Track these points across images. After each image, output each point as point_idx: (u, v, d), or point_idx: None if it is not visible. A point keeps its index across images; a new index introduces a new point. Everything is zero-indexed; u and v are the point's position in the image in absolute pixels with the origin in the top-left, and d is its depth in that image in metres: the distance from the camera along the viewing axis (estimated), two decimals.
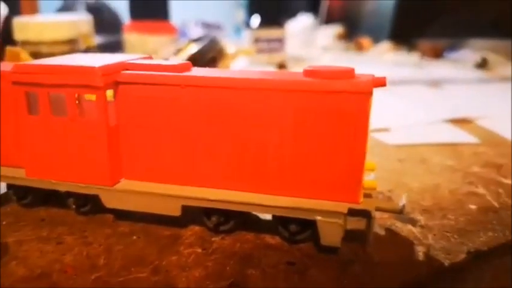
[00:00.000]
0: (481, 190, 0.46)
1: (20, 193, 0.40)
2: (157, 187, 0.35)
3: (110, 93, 0.34)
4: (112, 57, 0.38)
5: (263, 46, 1.18)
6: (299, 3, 1.80)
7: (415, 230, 0.37)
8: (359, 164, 0.32)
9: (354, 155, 0.32)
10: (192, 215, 0.37)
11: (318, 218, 0.32)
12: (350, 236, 0.34)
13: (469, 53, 1.23)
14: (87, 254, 0.33)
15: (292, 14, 1.54)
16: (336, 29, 1.62)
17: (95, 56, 0.39)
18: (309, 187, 0.33)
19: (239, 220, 0.36)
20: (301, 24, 1.52)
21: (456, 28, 1.31)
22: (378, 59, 1.27)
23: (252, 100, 0.32)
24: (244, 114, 0.33)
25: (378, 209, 0.33)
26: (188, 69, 0.35)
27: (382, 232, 0.37)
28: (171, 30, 1.09)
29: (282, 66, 1.17)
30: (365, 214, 0.33)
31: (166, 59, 0.90)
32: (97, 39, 1.08)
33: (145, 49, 0.99)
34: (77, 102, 0.34)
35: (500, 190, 0.45)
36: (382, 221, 0.38)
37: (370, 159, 0.35)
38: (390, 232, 0.37)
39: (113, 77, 0.34)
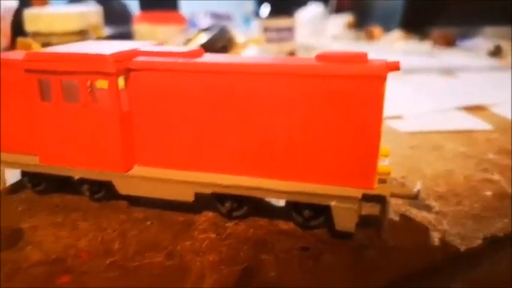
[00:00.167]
0: (496, 177, 0.45)
1: (34, 180, 0.40)
2: (170, 173, 0.35)
3: (120, 81, 0.34)
4: (123, 44, 0.38)
5: (273, 35, 1.17)
6: None
7: (430, 216, 0.37)
8: (374, 149, 0.31)
9: (368, 140, 0.31)
10: (205, 201, 0.37)
11: (333, 203, 0.32)
12: (364, 221, 0.34)
13: (482, 41, 1.21)
14: (102, 239, 0.34)
15: (301, 3, 1.53)
16: (346, 18, 1.60)
17: (107, 43, 0.39)
18: (323, 172, 0.33)
19: (252, 206, 0.36)
20: (311, 13, 1.51)
21: (468, 16, 1.29)
22: (389, 48, 1.25)
23: (265, 85, 0.32)
24: (257, 99, 0.33)
25: (393, 195, 0.33)
26: (200, 56, 0.35)
27: (396, 218, 0.37)
28: (180, 20, 1.09)
29: (291, 55, 1.17)
30: (379, 199, 0.32)
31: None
32: (107, 30, 1.08)
33: (155, 39, 0.99)
34: (89, 89, 0.34)
35: None
36: (396, 207, 0.38)
37: (383, 145, 0.35)
38: (404, 218, 0.37)
39: (124, 64, 0.34)
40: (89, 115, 0.35)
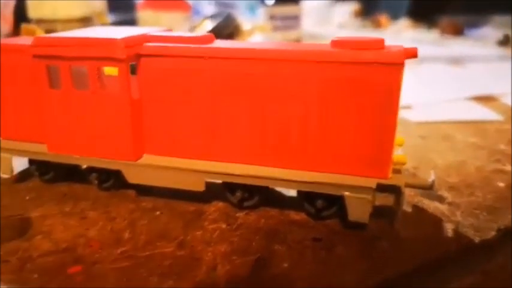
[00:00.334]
0: (508, 167, 0.44)
1: (42, 169, 0.40)
2: (181, 162, 0.35)
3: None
4: (133, 29, 0.37)
5: (278, 23, 1.16)
6: None
7: (443, 207, 0.37)
8: (389, 138, 0.31)
9: (384, 129, 0.31)
10: (215, 190, 0.36)
11: (346, 193, 0.31)
12: (376, 212, 0.33)
13: (491, 30, 1.20)
14: (112, 228, 0.33)
15: None
16: (352, 6, 1.58)
17: (116, 28, 0.38)
18: (337, 162, 0.32)
19: (263, 196, 0.35)
20: (317, 1, 1.49)
21: (476, 4, 1.27)
22: (397, 37, 1.24)
23: (279, 72, 0.31)
24: (269, 87, 0.32)
25: (407, 185, 0.32)
26: (211, 41, 0.34)
27: (409, 209, 0.36)
28: (185, 7, 1.07)
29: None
30: (393, 190, 0.32)
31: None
32: (110, 18, 1.07)
33: (159, 26, 0.98)
34: (99, 75, 0.34)
35: None
36: (409, 198, 0.37)
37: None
38: (417, 209, 0.36)
39: (135, 50, 0.33)
40: (98, 102, 0.34)
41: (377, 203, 0.32)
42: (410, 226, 0.34)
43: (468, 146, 0.50)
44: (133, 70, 0.34)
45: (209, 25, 0.87)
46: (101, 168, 0.37)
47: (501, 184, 0.41)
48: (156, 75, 0.34)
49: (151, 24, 1.00)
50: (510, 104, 0.67)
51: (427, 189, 0.33)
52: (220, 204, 0.37)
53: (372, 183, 0.31)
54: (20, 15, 0.93)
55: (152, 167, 0.35)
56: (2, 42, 0.37)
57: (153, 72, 0.34)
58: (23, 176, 0.41)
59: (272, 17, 1.16)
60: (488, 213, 0.36)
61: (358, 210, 0.32)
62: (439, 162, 0.45)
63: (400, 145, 0.35)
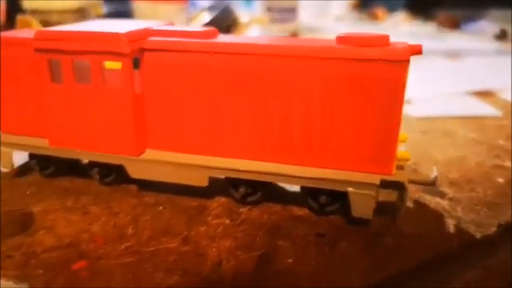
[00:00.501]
0: (507, 163, 0.45)
1: (42, 163, 0.39)
2: (184, 157, 0.34)
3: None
4: (135, 23, 0.36)
5: (276, 16, 1.16)
6: None
7: (444, 203, 0.37)
8: (393, 135, 0.31)
9: (388, 125, 0.31)
10: (218, 185, 0.36)
11: (350, 189, 0.31)
12: (378, 207, 0.33)
13: (488, 24, 1.20)
14: (115, 223, 0.33)
15: None
16: None
17: (117, 22, 0.38)
18: (341, 158, 0.32)
19: (266, 191, 0.35)
20: None
21: None
22: (394, 30, 1.24)
23: (284, 67, 0.31)
24: (273, 82, 0.32)
25: (410, 181, 0.32)
26: (215, 36, 0.34)
27: (410, 205, 0.36)
28: None
29: (294, 36, 1.15)
30: (396, 186, 0.32)
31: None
32: (105, 8, 1.06)
33: (155, 18, 0.97)
34: (101, 69, 0.33)
35: None
36: (410, 194, 0.37)
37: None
38: (419, 205, 0.36)
39: (138, 44, 0.33)
40: (101, 97, 0.34)
41: (380, 198, 0.33)
42: (413, 222, 0.34)
43: (468, 142, 0.50)
44: (136, 64, 0.34)
45: (206, 17, 0.86)
46: (102, 163, 0.37)
47: (501, 180, 0.41)
48: (159, 69, 0.34)
49: (147, 16, 0.99)
50: (508, 99, 0.67)
51: (430, 185, 0.34)
52: (223, 199, 0.37)
53: (376, 179, 0.31)
54: (14, 6, 0.92)
55: (155, 162, 0.35)
56: (2, 35, 0.36)
57: (156, 66, 0.34)
58: (23, 170, 0.41)
59: (269, 9, 1.15)
60: (489, 209, 0.36)
61: (361, 206, 0.32)
62: (439, 157, 0.46)
63: (404, 141, 0.35)
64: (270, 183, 0.34)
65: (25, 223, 0.33)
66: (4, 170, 0.40)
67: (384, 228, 0.33)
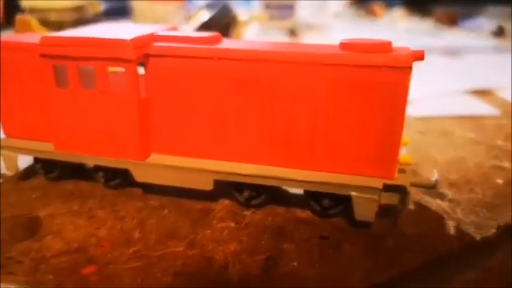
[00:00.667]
0: (506, 164, 0.45)
1: (47, 167, 0.40)
2: (189, 161, 0.35)
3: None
4: (139, 28, 0.37)
5: (274, 13, 1.16)
6: None
7: (444, 204, 0.37)
8: (396, 140, 0.31)
9: (391, 131, 0.31)
10: (221, 188, 0.36)
11: (353, 193, 0.32)
12: (379, 210, 0.34)
13: (485, 21, 1.20)
14: (121, 227, 0.34)
15: None
16: None
17: (121, 26, 0.38)
18: (344, 162, 0.33)
19: (270, 194, 0.36)
20: None
21: None
22: (392, 26, 1.24)
23: (287, 73, 0.32)
24: (278, 88, 0.32)
25: (412, 184, 0.33)
26: (219, 41, 0.34)
27: (411, 206, 0.37)
28: None
29: (293, 32, 1.15)
30: (398, 189, 0.33)
31: (177, 27, 0.88)
32: (103, 6, 1.05)
33: (154, 16, 0.97)
34: (107, 75, 0.34)
35: None
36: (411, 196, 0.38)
37: None
38: (419, 206, 0.37)
39: (143, 50, 0.33)
40: (106, 102, 0.34)
41: (382, 202, 0.33)
42: (414, 224, 0.35)
43: (466, 142, 0.51)
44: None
45: (205, 15, 0.86)
46: (107, 166, 0.37)
47: (500, 181, 0.42)
48: (164, 75, 0.34)
49: (145, 14, 0.99)
50: (506, 98, 0.68)
51: (431, 188, 0.34)
52: (227, 202, 0.37)
53: (379, 183, 0.32)
54: (12, 5, 0.91)
55: (160, 166, 0.35)
56: (7, 39, 0.36)
57: (161, 72, 0.34)
58: (27, 173, 0.41)
59: (268, 6, 1.15)
60: (488, 210, 0.37)
61: (364, 210, 0.32)
62: (439, 158, 0.46)
63: (405, 145, 0.36)
64: (274, 186, 0.35)
65: (32, 228, 0.33)
66: (9, 173, 0.40)
67: (385, 230, 0.34)
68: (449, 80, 0.75)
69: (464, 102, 0.66)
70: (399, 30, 1.20)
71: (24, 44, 0.36)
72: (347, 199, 0.33)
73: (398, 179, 0.32)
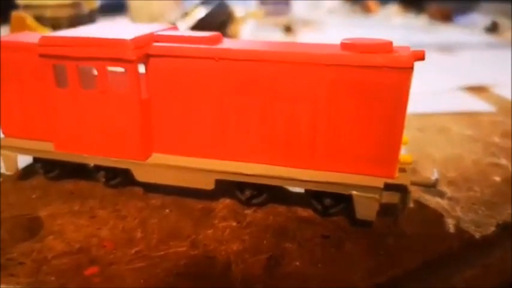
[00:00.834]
0: (503, 161, 0.46)
1: (47, 166, 0.39)
2: (191, 161, 0.35)
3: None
4: (138, 27, 0.36)
5: (269, 8, 1.16)
6: None
7: (443, 202, 0.38)
8: (397, 139, 0.32)
9: (392, 130, 0.31)
10: (222, 187, 0.36)
11: (355, 192, 0.32)
12: (380, 208, 0.34)
13: (479, 17, 1.21)
14: (123, 227, 0.34)
15: None
16: None
17: (120, 26, 0.38)
18: (346, 162, 0.33)
19: (271, 193, 0.36)
20: None
21: None
22: (386, 22, 1.24)
23: (288, 73, 0.32)
24: (279, 88, 0.32)
25: (412, 183, 0.33)
26: (220, 41, 0.34)
27: (411, 205, 0.37)
28: None
29: (288, 28, 1.15)
30: (399, 188, 0.33)
31: (174, 23, 0.88)
32: (99, 1, 1.04)
33: (150, 12, 0.97)
34: (107, 75, 0.33)
35: None
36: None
37: None
38: (419, 205, 0.37)
39: (144, 50, 0.33)
40: (107, 102, 0.34)
41: (383, 201, 0.33)
42: (414, 222, 0.35)
43: (464, 139, 0.51)
44: None
45: (202, 12, 0.86)
46: (108, 166, 0.37)
47: (497, 178, 0.42)
48: (165, 75, 0.34)
49: (142, 10, 0.98)
50: (501, 94, 0.68)
51: (431, 187, 0.34)
52: (228, 201, 0.37)
53: (380, 182, 0.32)
54: (6, 2, 0.90)
55: (161, 166, 0.35)
56: (6, 39, 0.36)
57: (162, 72, 0.34)
58: (26, 173, 0.41)
59: (263, 3, 1.15)
60: (487, 208, 0.37)
61: (366, 209, 0.33)
62: (437, 156, 0.47)
63: (405, 144, 0.36)
64: (275, 185, 0.35)
65: (33, 228, 0.33)
66: (8, 173, 0.40)
67: (386, 228, 0.34)
68: (445, 77, 0.76)
69: (460, 98, 0.66)
70: (394, 26, 1.20)
71: (23, 44, 0.35)
72: (348, 198, 0.33)
73: (399, 178, 0.33)
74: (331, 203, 0.34)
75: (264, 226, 0.34)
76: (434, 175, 0.35)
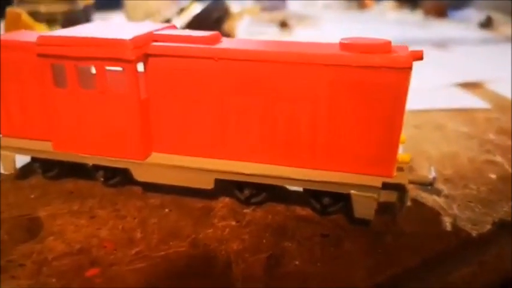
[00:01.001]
0: (498, 158, 0.46)
1: (45, 166, 0.39)
2: (190, 161, 0.35)
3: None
4: (137, 26, 0.36)
5: (265, 4, 1.15)
6: None
7: (440, 200, 0.38)
8: (395, 139, 0.32)
9: (390, 130, 0.32)
10: (221, 186, 0.37)
11: (353, 191, 0.32)
12: (378, 207, 0.34)
13: (473, 12, 1.21)
14: (123, 227, 0.34)
15: None
16: None
17: (118, 25, 0.37)
18: (344, 161, 0.33)
19: (271, 192, 0.36)
20: None
21: None
22: (381, 18, 1.24)
23: (288, 73, 0.32)
24: (278, 87, 0.32)
25: (410, 182, 0.34)
26: (218, 41, 0.34)
27: (408, 203, 0.37)
28: None
29: (284, 24, 1.15)
30: (397, 187, 0.33)
31: (170, 20, 0.87)
32: None
33: (146, 8, 0.96)
34: (106, 75, 0.33)
35: None
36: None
37: None
38: (416, 203, 0.38)
39: (143, 50, 0.33)
40: (106, 102, 0.34)
41: (381, 199, 0.34)
42: (411, 220, 0.35)
43: (459, 136, 0.52)
44: None
45: (198, 8, 0.85)
46: (108, 165, 0.37)
47: (493, 176, 0.43)
48: (164, 74, 0.34)
49: (138, 6, 0.97)
50: (496, 90, 0.69)
51: (428, 185, 0.35)
52: (227, 200, 0.37)
53: (378, 182, 0.32)
54: None
55: (161, 165, 0.35)
56: (4, 38, 0.36)
57: (161, 71, 0.34)
58: (24, 172, 0.41)
59: None
60: (483, 206, 0.37)
61: (364, 208, 0.33)
62: (433, 153, 0.47)
63: (402, 142, 0.36)
64: (275, 184, 0.35)
65: (33, 229, 0.33)
66: (6, 173, 0.40)
67: (384, 227, 0.34)
68: (440, 73, 0.76)
69: (455, 95, 0.67)
70: (388, 22, 1.20)
71: (22, 43, 0.35)
72: (346, 196, 0.33)
73: (396, 177, 0.33)
74: (330, 201, 0.34)
75: (263, 225, 0.34)
76: (431, 173, 0.35)
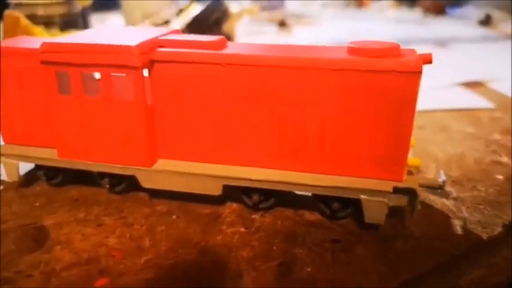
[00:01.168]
0: (505, 159, 0.46)
1: (49, 173, 0.39)
2: (197, 167, 0.35)
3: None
4: (141, 32, 0.36)
5: (263, 4, 1.15)
6: None
7: (449, 203, 0.38)
8: (405, 143, 0.32)
9: (400, 134, 0.31)
10: (228, 191, 0.36)
11: (363, 196, 0.32)
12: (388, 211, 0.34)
13: (472, 10, 1.21)
14: (131, 235, 0.33)
15: None
16: None
17: (122, 31, 0.37)
18: (353, 165, 0.33)
19: (279, 197, 0.36)
20: None
21: None
22: (380, 16, 1.24)
23: (296, 78, 0.32)
24: (286, 93, 0.32)
25: (420, 186, 0.33)
26: (225, 45, 0.34)
27: (418, 206, 0.37)
28: None
29: (282, 23, 1.14)
30: (408, 191, 0.33)
31: (168, 21, 0.87)
32: None
33: (144, 9, 0.96)
34: (112, 82, 0.33)
35: None
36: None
37: None
38: (425, 205, 0.37)
39: (149, 56, 0.32)
40: (111, 109, 0.33)
41: (391, 204, 0.33)
42: (421, 224, 0.35)
43: (465, 137, 0.52)
44: None
45: (197, 9, 0.85)
46: (113, 172, 0.36)
47: (500, 177, 0.42)
48: (170, 80, 0.33)
49: (136, 7, 0.97)
50: (499, 89, 0.68)
51: (438, 189, 0.34)
52: (235, 205, 0.37)
53: (389, 186, 0.32)
54: None
55: (167, 172, 0.35)
56: (6, 44, 0.35)
57: (167, 77, 0.33)
58: (28, 179, 0.41)
59: None
60: (492, 208, 0.37)
61: (374, 213, 0.33)
62: (439, 155, 0.47)
63: (412, 146, 0.36)
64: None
65: (40, 238, 0.33)
66: (10, 181, 0.39)
67: (393, 230, 0.34)
68: (441, 72, 0.76)
69: (458, 94, 0.67)
70: (387, 19, 1.20)
71: (25, 50, 0.35)
72: (356, 201, 0.33)
73: (407, 181, 0.33)
74: (339, 206, 0.34)
75: (273, 231, 0.34)
76: (441, 177, 0.35)
